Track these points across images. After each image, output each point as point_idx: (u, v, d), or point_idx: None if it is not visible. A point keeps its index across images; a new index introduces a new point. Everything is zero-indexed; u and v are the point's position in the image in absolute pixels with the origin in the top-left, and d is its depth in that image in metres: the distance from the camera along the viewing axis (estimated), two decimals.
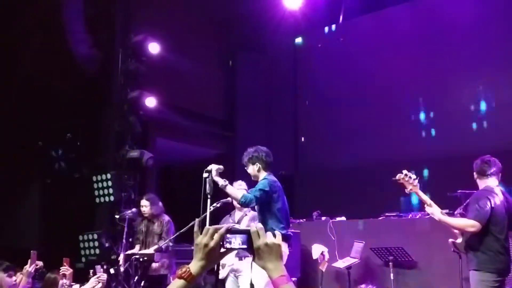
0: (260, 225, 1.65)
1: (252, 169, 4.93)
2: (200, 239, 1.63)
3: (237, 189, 4.81)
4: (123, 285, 6.55)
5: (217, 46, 10.23)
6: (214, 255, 1.63)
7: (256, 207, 4.82)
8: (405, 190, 4.26)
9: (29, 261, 3.97)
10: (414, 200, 8.69)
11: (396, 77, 9.54)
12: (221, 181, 4.56)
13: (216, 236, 1.62)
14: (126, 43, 8.30)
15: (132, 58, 8.23)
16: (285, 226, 4.78)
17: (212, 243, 1.62)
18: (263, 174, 4.88)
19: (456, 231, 4.33)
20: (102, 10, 8.48)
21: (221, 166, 4.69)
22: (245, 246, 1.64)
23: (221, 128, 10.58)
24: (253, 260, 1.64)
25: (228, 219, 5.81)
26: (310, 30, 10.97)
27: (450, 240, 4.48)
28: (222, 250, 1.65)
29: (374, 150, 9.63)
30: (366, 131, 9.69)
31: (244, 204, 4.63)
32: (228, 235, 1.64)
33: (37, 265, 4.25)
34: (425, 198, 4.24)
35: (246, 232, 1.64)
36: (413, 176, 4.22)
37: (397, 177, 4.26)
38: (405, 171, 4.24)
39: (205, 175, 4.59)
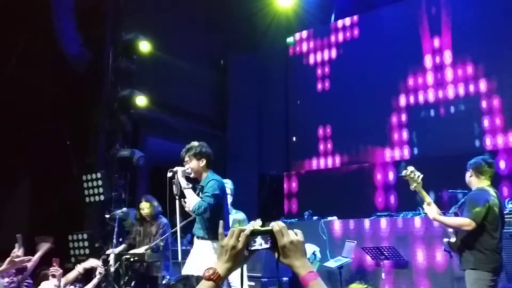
0: (282, 224, 1.64)
1: (196, 164, 4.70)
2: (227, 241, 1.62)
3: (195, 197, 4.48)
4: (113, 285, 6.49)
5: (208, 45, 10.19)
6: (240, 257, 1.62)
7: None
8: (410, 187, 4.27)
9: (16, 245, 3.92)
10: (405, 200, 8.71)
11: (387, 77, 9.56)
12: (184, 184, 4.46)
13: (242, 238, 1.61)
14: (116, 41, 8.24)
15: (122, 57, 8.18)
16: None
17: (239, 245, 1.61)
18: (206, 172, 4.73)
19: (450, 230, 4.34)
20: (92, 8, 8.40)
21: (188, 169, 4.60)
22: (268, 246, 1.63)
23: (212, 128, 10.54)
24: (278, 259, 1.63)
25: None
26: (302, 29, 10.98)
27: (445, 239, 4.49)
28: (246, 252, 1.64)
29: (366, 150, 9.66)
30: (357, 131, 9.71)
31: (196, 213, 4.43)
32: (252, 237, 1.63)
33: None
34: (426, 197, 4.25)
35: (269, 232, 1.63)
36: (418, 173, 4.24)
37: (403, 173, 4.29)
38: (411, 168, 4.26)
39: (169, 174, 4.53)
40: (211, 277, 1.60)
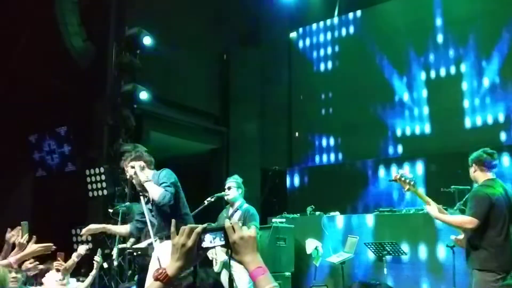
0: (234, 220, 1.64)
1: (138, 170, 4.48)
2: (177, 240, 1.60)
3: (156, 188, 4.32)
4: (116, 280, 6.52)
5: (211, 39, 10.17)
6: (191, 255, 1.61)
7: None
8: (403, 190, 4.22)
9: (20, 232, 3.92)
10: (408, 195, 8.70)
11: (390, 71, 9.54)
12: (143, 178, 4.37)
13: (193, 236, 1.60)
14: (120, 36, 8.22)
15: (126, 51, 8.16)
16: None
17: (189, 243, 1.59)
18: (151, 172, 4.54)
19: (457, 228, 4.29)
20: (96, 3, 8.39)
21: (142, 163, 4.46)
22: (222, 243, 1.62)
23: (215, 123, 10.55)
24: (231, 255, 1.62)
25: (224, 213, 5.78)
26: (305, 24, 10.95)
27: (452, 236, 4.45)
28: (199, 250, 1.62)
29: (368, 145, 9.65)
30: (360, 126, 9.70)
31: (162, 204, 4.25)
32: (204, 234, 1.62)
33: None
34: (424, 197, 4.20)
35: (222, 229, 1.62)
36: (409, 176, 4.18)
37: (393, 177, 4.24)
38: (401, 172, 4.22)
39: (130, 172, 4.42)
40: (159, 277, 1.58)
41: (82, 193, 7.78)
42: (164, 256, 4.18)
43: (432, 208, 4.13)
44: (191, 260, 1.62)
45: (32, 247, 3.75)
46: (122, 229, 4.93)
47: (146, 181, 4.34)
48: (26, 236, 3.93)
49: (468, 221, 3.98)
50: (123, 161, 4.66)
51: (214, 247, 1.64)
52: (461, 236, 4.28)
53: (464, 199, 4.39)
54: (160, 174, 4.47)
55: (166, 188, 4.31)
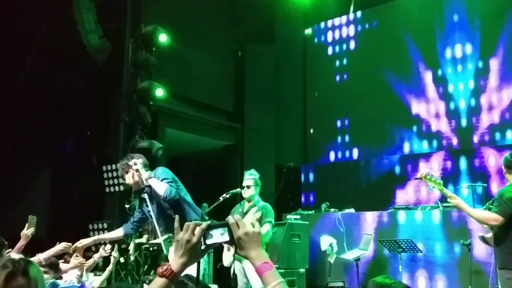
0: (237, 216, 1.65)
1: (129, 177, 4.56)
2: (181, 235, 1.60)
3: (161, 183, 4.34)
4: (133, 274, 6.60)
5: (226, 37, 10.21)
6: (196, 251, 1.60)
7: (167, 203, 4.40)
8: (428, 188, 4.28)
9: (26, 224, 4.05)
10: (423, 192, 8.66)
11: (405, 69, 9.48)
12: (145, 175, 4.39)
13: (198, 232, 1.60)
14: (136, 34, 8.30)
15: (142, 49, 8.23)
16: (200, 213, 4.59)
17: (194, 239, 1.59)
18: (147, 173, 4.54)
19: (485, 226, 4.32)
20: (112, 1, 8.47)
21: (139, 160, 4.48)
22: (227, 239, 1.61)
23: (230, 119, 10.59)
24: (235, 251, 1.62)
25: (238, 208, 5.80)
26: (320, 20, 10.92)
27: (479, 234, 4.48)
28: (203, 246, 1.62)
29: (383, 142, 9.61)
30: (375, 122, 9.66)
31: (168, 198, 4.26)
32: (209, 230, 1.61)
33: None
34: (449, 193, 4.24)
35: (226, 225, 1.62)
36: (436, 174, 4.23)
37: (418, 175, 4.29)
38: (426, 170, 4.26)
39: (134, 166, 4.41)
40: (164, 273, 1.57)
41: (99, 188, 7.88)
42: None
43: (459, 201, 4.18)
44: (195, 256, 1.61)
45: (60, 245, 3.97)
46: (114, 234, 4.91)
47: (150, 177, 4.36)
48: (32, 230, 4.05)
49: (493, 218, 4.03)
50: (121, 168, 4.62)
51: (218, 243, 1.64)
52: (490, 234, 4.30)
53: (492, 199, 4.42)
54: (156, 172, 4.50)
55: (170, 184, 4.34)
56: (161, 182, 4.33)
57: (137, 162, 4.44)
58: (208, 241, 1.61)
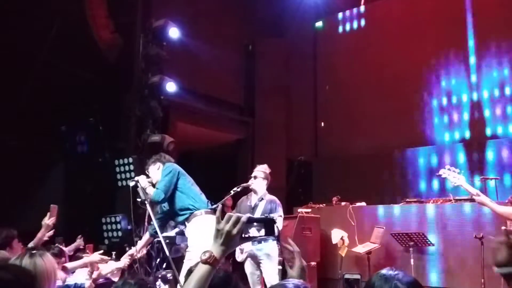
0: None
1: (154, 171, 4.88)
2: (223, 225, 1.67)
3: (152, 190, 4.64)
4: (145, 267, 6.66)
5: (236, 30, 10.19)
6: (234, 242, 1.68)
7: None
8: (450, 184, 4.31)
9: (48, 214, 4.08)
10: (435, 185, 8.63)
11: (416, 62, 9.41)
12: (145, 184, 4.61)
13: (239, 225, 1.66)
14: (147, 28, 8.32)
15: (153, 43, 8.25)
16: (203, 203, 4.71)
17: (234, 231, 1.66)
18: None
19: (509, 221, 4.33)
20: None
21: (149, 179, 4.73)
22: (262, 235, 1.70)
23: (241, 113, 10.60)
24: (284, 264, 1.81)
25: (245, 201, 5.79)
26: (330, 14, 10.86)
27: (503, 227, 4.48)
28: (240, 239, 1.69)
29: (394, 135, 9.56)
30: (386, 115, 9.62)
31: (157, 201, 4.60)
32: (248, 224, 1.69)
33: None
34: (471, 189, 4.24)
35: (264, 221, 1.71)
36: (457, 171, 4.24)
37: (440, 172, 4.31)
38: (447, 167, 4.28)
39: (131, 183, 4.62)
40: (208, 260, 1.63)
41: (111, 182, 7.94)
42: (193, 236, 4.51)
43: (482, 198, 4.18)
44: (233, 245, 1.69)
45: (93, 256, 4.04)
46: (143, 241, 5.09)
47: (147, 187, 4.60)
48: (53, 219, 4.08)
49: None
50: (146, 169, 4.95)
51: (255, 238, 1.72)
52: None
53: None
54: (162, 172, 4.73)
55: (157, 186, 4.60)
56: (152, 189, 4.61)
57: (140, 178, 4.64)
58: (245, 235, 1.69)
